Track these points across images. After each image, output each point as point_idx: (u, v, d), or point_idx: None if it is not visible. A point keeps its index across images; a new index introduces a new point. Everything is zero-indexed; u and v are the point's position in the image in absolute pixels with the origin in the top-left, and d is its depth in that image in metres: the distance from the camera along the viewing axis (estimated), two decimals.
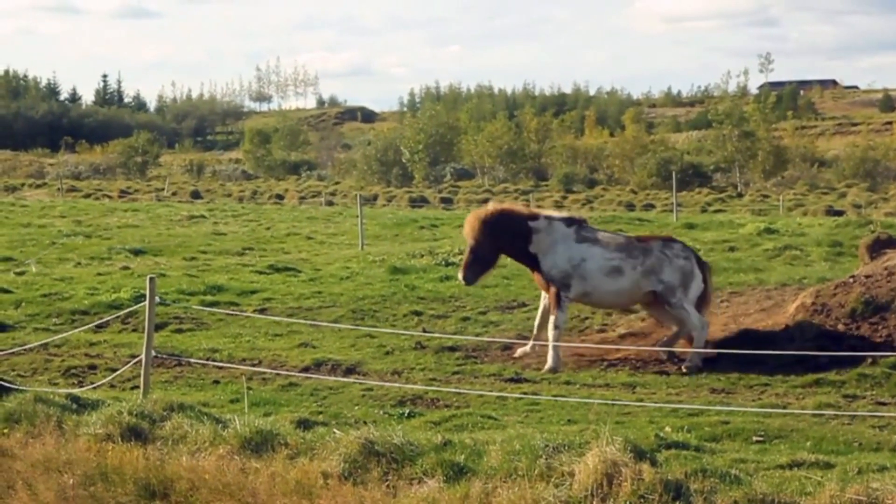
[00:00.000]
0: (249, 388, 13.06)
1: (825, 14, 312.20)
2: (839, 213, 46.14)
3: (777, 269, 22.32)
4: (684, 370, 14.76)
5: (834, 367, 14.15)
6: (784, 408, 12.30)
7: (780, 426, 11.34)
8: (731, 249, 26.90)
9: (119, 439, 10.22)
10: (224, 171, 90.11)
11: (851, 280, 16.09)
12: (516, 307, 19.25)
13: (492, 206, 16.57)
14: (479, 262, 16.18)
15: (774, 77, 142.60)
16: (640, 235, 16.73)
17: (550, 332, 15.47)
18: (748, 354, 14.26)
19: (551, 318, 15.66)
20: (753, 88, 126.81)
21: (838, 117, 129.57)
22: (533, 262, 16.02)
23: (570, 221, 16.08)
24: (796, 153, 78.12)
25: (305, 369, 14.74)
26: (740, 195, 63.23)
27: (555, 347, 15.27)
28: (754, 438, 10.93)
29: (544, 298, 16.10)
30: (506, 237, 15.97)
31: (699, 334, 15.43)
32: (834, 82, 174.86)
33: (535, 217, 16.14)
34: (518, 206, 17.49)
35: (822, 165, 78.72)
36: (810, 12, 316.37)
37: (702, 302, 15.91)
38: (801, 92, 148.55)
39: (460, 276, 16.37)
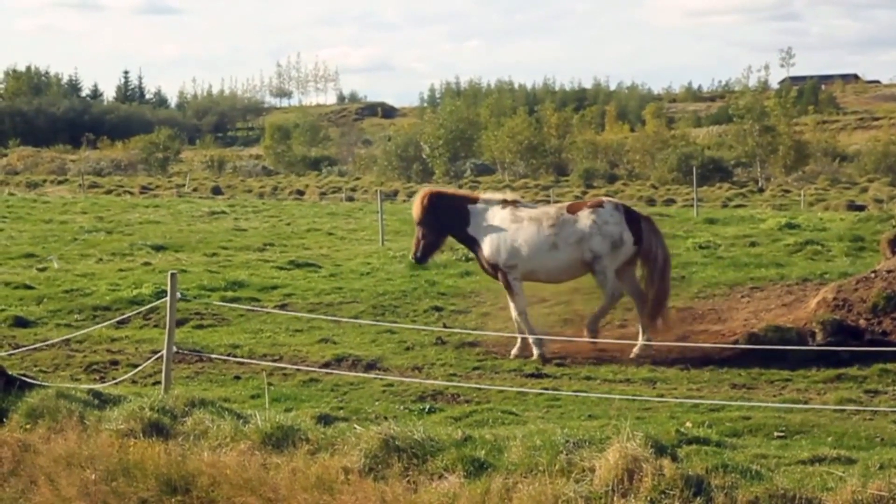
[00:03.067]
0: (270, 384, 13.09)
1: (847, 8, 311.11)
2: (861, 208, 45.91)
3: (798, 265, 22.25)
4: (632, 356, 15.14)
5: (855, 362, 14.12)
6: (805, 403, 12.26)
7: (801, 421, 11.32)
8: (752, 244, 26.84)
9: (141, 435, 10.25)
10: (245, 166, 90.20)
11: (873, 275, 16.03)
12: (536, 302, 19.19)
13: (429, 189, 17.14)
14: (426, 243, 16.59)
15: (796, 72, 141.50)
16: (571, 203, 16.79)
17: (517, 320, 15.77)
18: (769, 350, 14.24)
19: (512, 306, 15.98)
20: (774, 83, 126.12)
21: (860, 112, 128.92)
22: (474, 245, 16.34)
23: (504, 203, 16.30)
24: (817, 148, 77.73)
25: (326, 365, 14.76)
26: (761, 190, 63.00)
27: (531, 332, 15.54)
28: (775, 434, 10.91)
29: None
30: (446, 219, 16.38)
31: (608, 301, 15.82)
32: (856, 76, 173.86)
33: (473, 200, 16.51)
34: (458, 190, 17.76)
35: (843, 160, 78.35)
36: (832, 6, 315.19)
37: (650, 260, 16.08)
38: (823, 86, 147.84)
39: (411, 255, 16.99)
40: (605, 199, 16.74)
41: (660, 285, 16.08)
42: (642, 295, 16.17)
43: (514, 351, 15.61)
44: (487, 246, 16.08)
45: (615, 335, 16.40)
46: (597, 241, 15.75)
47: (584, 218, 15.87)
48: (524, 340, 15.60)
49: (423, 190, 17.16)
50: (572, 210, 16.15)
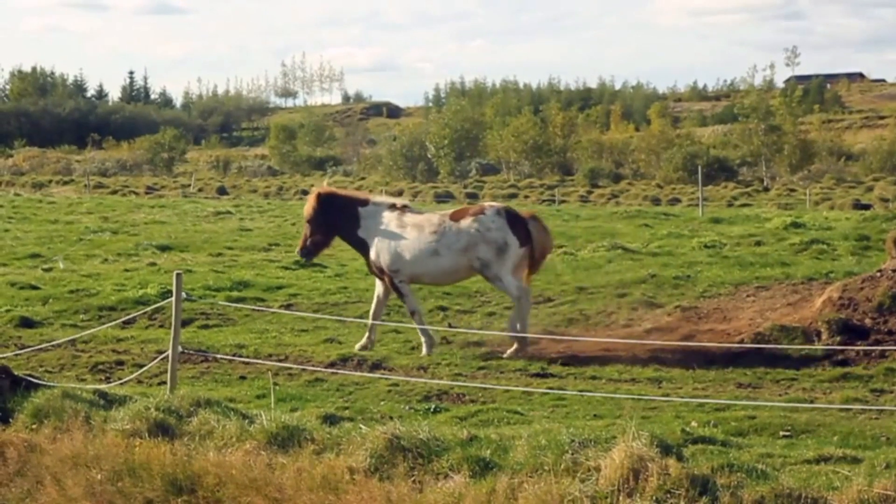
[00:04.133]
0: (276, 384, 13.10)
1: (852, 7, 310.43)
2: (866, 207, 45.94)
3: (804, 264, 22.24)
4: (508, 355, 15.30)
5: (861, 361, 14.12)
6: (811, 402, 12.25)
7: (807, 421, 11.31)
8: (758, 244, 26.84)
9: (146, 435, 10.26)
10: (250, 166, 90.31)
11: (879, 274, 16.02)
12: (542, 302, 19.23)
13: (323, 188, 17.20)
14: (313, 241, 16.77)
15: (801, 71, 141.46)
16: (456, 210, 16.79)
17: (414, 320, 15.97)
18: (775, 349, 14.23)
19: (406, 307, 16.31)
20: (780, 82, 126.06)
21: (865, 110, 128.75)
22: (363, 248, 16.48)
23: (393, 207, 16.47)
24: (823, 147, 77.70)
25: (331, 365, 14.77)
26: (766, 189, 62.98)
27: (424, 332, 15.74)
28: (781, 433, 10.90)
29: (379, 286, 16.47)
30: (336, 219, 16.50)
31: (519, 305, 15.82)
32: (861, 75, 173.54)
33: (364, 202, 16.59)
34: (352, 192, 17.83)
35: (849, 159, 78.31)
36: (837, 5, 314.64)
37: (536, 259, 16.23)
38: (828, 85, 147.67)
39: (297, 250, 17.23)
40: (487, 204, 16.78)
41: (535, 270, 16.48)
42: (528, 293, 16.29)
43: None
44: (373, 249, 16.25)
45: (620, 334, 16.40)
46: (482, 249, 15.83)
47: (467, 226, 15.94)
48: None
49: (316, 189, 17.31)
50: (455, 217, 16.19)
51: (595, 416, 11.85)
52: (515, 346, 15.49)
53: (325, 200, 16.61)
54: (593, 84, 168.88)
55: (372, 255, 16.26)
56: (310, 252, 17.08)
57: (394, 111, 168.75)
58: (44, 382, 12.08)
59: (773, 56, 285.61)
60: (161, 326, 17.51)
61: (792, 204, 50.78)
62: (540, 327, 17.01)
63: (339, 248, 29.12)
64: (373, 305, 16.56)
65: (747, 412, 11.60)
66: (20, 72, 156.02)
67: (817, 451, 9.66)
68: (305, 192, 62.67)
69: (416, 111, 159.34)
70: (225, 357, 15.00)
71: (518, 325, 15.81)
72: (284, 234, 34.10)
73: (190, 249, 28.86)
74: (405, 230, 16.08)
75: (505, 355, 15.37)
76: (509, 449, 9.06)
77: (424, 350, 15.62)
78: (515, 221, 16.07)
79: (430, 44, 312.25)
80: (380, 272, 16.33)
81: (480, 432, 9.74)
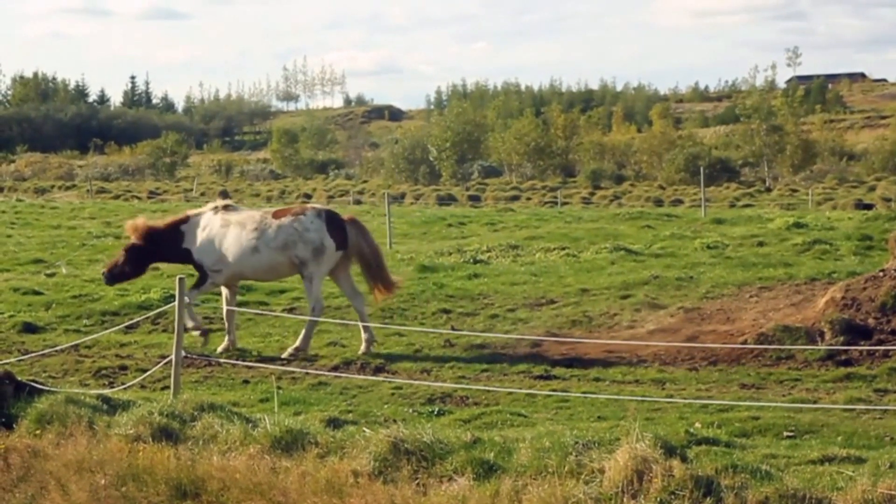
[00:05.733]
0: (279, 388, 13.11)
1: (853, 7, 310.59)
2: (868, 207, 45.89)
3: (806, 264, 22.23)
4: (285, 356, 15.72)
5: (865, 361, 14.11)
6: (815, 403, 12.24)
7: (810, 421, 11.30)
8: (760, 244, 26.82)
9: (150, 439, 10.27)
10: (252, 170, 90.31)
11: (881, 274, 16.01)
12: (545, 304, 19.23)
13: (138, 225, 17.05)
14: (123, 270, 17.14)
15: (802, 71, 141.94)
16: (278, 209, 17.23)
17: (187, 311, 15.99)
18: (778, 349, 14.22)
19: (191, 294, 16.35)
20: (781, 82, 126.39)
21: (867, 110, 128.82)
22: (187, 256, 16.81)
23: (216, 209, 16.85)
24: (825, 147, 77.74)
25: (335, 368, 14.78)
26: (769, 190, 62.97)
27: (196, 325, 16.30)
28: (785, 434, 10.90)
29: (224, 289, 16.89)
30: (156, 249, 16.97)
31: (312, 314, 16.22)
32: (862, 75, 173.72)
33: (185, 220, 16.97)
34: (167, 219, 17.82)
35: (851, 159, 78.34)
36: (838, 5, 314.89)
37: (362, 258, 16.75)
38: (830, 85, 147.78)
39: (105, 269, 17.40)
40: (309, 205, 17.39)
41: (380, 275, 16.84)
42: (359, 295, 16.83)
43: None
44: (196, 250, 16.63)
45: (624, 336, 16.40)
46: (300, 248, 16.28)
47: (287, 224, 16.38)
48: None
49: (131, 224, 17.24)
50: (277, 216, 16.62)
51: (599, 417, 11.85)
52: (294, 346, 15.97)
53: (145, 238, 16.87)
54: (595, 85, 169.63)
55: (196, 259, 16.67)
56: (116, 280, 17.46)
57: (395, 114, 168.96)
58: (47, 388, 12.09)
59: (774, 56, 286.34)
60: (164, 331, 17.53)
61: (794, 204, 50.76)
62: (543, 329, 17.02)
63: None
64: (224, 308, 16.96)
65: (751, 413, 11.60)
66: (22, 77, 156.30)
67: (821, 451, 9.66)
68: (308, 196, 62.88)
69: (418, 114, 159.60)
70: (228, 361, 15.00)
71: (305, 332, 16.16)
72: None
73: None
74: (228, 228, 16.52)
75: (283, 355, 15.86)
76: (513, 451, 9.06)
77: (219, 348, 16.20)
78: (334, 224, 16.53)
79: (431, 46, 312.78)
80: (199, 269, 16.75)
81: (484, 435, 9.74)
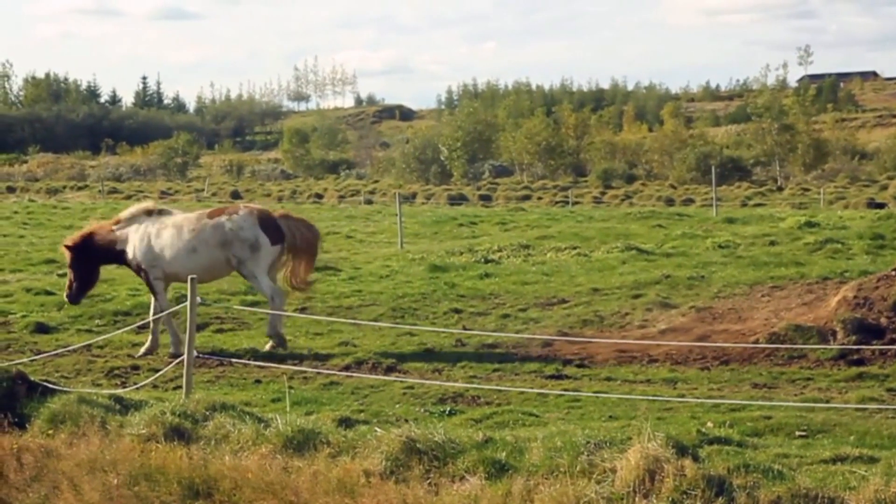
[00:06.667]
0: (291, 388, 13.12)
1: (865, 5, 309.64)
2: (881, 206, 45.81)
3: (818, 263, 22.20)
4: (268, 348, 16.10)
5: (877, 360, 14.09)
6: (827, 402, 12.21)
7: (823, 421, 11.28)
8: (772, 243, 26.79)
9: (162, 439, 10.28)
10: (263, 171, 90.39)
11: (894, 273, 15.99)
12: (556, 303, 19.23)
13: (73, 238, 17.55)
14: (80, 283, 17.34)
15: (814, 69, 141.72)
16: (213, 209, 17.54)
17: (162, 319, 16.42)
18: (790, 349, 14.20)
19: (153, 306, 16.83)
20: (793, 81, 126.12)
21: (879, 109, 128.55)
22: (121, 257, 17.12)
23: (150, 212, 17.13)
24: (836, 146, 77.55)
25: (346, 368, 14.78)
26: (780, 189, 62.85)
27: (174, 333, 16.35)
28: (797, 433, 10.88)
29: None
30: (96, 254, 17.21)
31: (273, 305, 16.52)
32: (874, 74, 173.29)
33: (117, 222, 17.23)
34: (102, 224, 18.04)
35: (862, 158, 78.15)
36: (849, 3, 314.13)
37: (297, 252, 17.02)
38: (841, 84, 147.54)
39: (65, 295, 17.69)
40: (242, 205, 17.69)
41: (304, 270, 17.25)
42: (279, 292, 17.02)
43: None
44: (130, 247, 16.88)
45: (635, 335, 16.39)
46: (237, 247, 16.60)
47: (221, 223, 16.69)
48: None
49: (68, 241, 17.59)
50: (212, 216, 16.94)
51: (610, 417, 11.84)
52: (270, 343, 16.26)
53: (80, 246, 17.20)
54: (606, 85, 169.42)
55: (130, 259, 16.93)
56: (79, 295, 17.57)
57: (406, 114, 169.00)
58: (60, 388, 12.12)
59: (785, 55, 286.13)
60: None
61: (806, 203, 50.67)
62: (555, 329, 17.01)
63: (353, 252, 29.22)
64: (153, 311, 17.07)
65: (763, 412, 11.58)
66: (34, 78, 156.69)
67: (833, 450, 9.64)
68: (319, 196, 62.94)
69: (429, 114, 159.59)
70: (240, 361, 15.01)
71: (276, 325, 16.39)
72: None
73: None
74: (164, 230, 16.78)
75: (264, 349, 16.12)
76: (525, 451, 9.06)
77: (172, 350, 16.18)
78: (266, 221, 16.84)
79: (442, 46, 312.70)
80: (138, 271, 17.01)
81: (496, 434, 9.74)
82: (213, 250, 16.61)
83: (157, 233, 16.77)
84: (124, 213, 17.49)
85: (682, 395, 12.79)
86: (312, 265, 17.55)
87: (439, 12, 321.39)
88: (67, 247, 17.28)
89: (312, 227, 17.56)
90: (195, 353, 12.45)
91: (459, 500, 8.67)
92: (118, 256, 17.11)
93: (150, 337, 16.49)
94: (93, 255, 17.22)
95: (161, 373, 13.85)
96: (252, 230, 16.64)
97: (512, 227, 36.45)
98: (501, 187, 66.85)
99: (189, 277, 12.54)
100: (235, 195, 64.62)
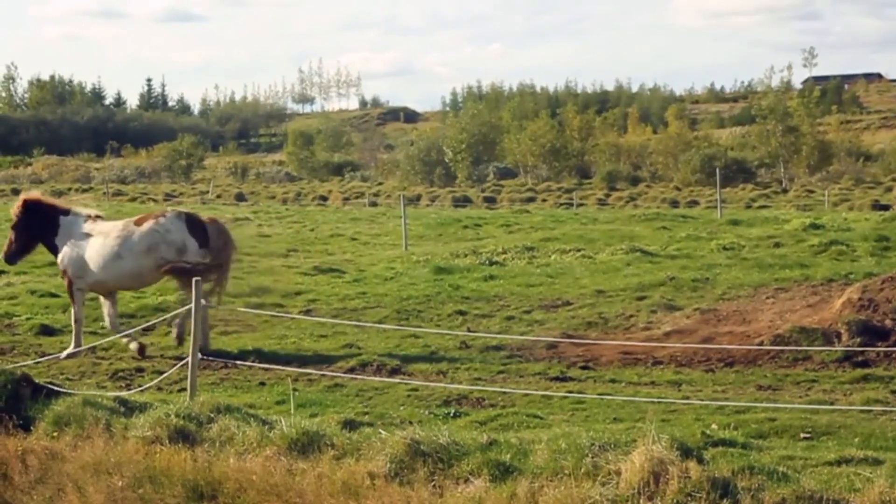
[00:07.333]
0: (295, 390, 13.12)
1: (869, 6, 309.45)
2: (885, 208, 45.76)
3: (823, 265, 22.20)
4: (175, 342, 16.35)
5: (882, 362, 14.08)
6: (832, 404, 12.21)
7: (827, 422, 11.27)
8: (777, 245, 26.79)
9: (167, 441, 10.28)
10: (268, 173, 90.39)
11: None
12: (561, 305, 19.23)
13: (30, 195, 17.82)
14: (17, 245, 17.41)
15: (818, 71, 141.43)
16: (140, 216, 17.57)
17: (73, 324, 16.68)
18: (795, 351, 14.19)
19: (73, 313, 16.88)
20: (797, 83, 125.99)
21: (883, 111, 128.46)
22: (54, 252, 17.19)
23: (88, 217, 17.21)
24: (841, 148, 77.42)
25: (351, 370, 14.78)
26: (785, 191, 62.79)
27: (78, 343, 16.38)
28: (802, 435, 10.87)
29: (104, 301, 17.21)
30: (39, 226, 17.21)
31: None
32: (879, 76, 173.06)
33: (65, 212, 17.30)
34: (56, 200, 18.33)
35: (867, 160, 78.02)
36: (854, 5, 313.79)
37: (220, 256, 16.99)
38: (846, 86, 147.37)
39: (1, 254, 17.74)
40: (169, 209, 17.85)
41: (223, 276, 17.08)
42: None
43: (132, 345, 16.36)
44: (61, 256, 16.99)
45: (640, 337, 16.39)
46: (164, 250, 16.66)
47: (148, 229, 16.77)
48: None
49: (23, 195, 17.85)
50: (139, 223, 17.00)
51: (615, 419, 11.84)
52: (175, 337, 16.44)
53: (30, 207, 17.31)
54: (610, 87, 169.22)
55: (60, 261, 17.04)
56: (13, 257, 17.65)
57: (411, 116, 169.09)
58: (64, 390, 12.12)
59: (790, 57, 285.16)
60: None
61: (810, 205, 50.64)
62: (559, 331, 17.01)
63: (358, 254, 29.23)
64: (107, 319, 17.23)
65: (767, 414, 11.58)
66: (39, 80, 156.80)
67: (838, 452, 9.63)
68: (324, 198, 62.97)
69: (434, 116, 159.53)
70: (244, 363, 15.02)
71: (181, 325, 16.48)
72: (303, 239, 34.17)
73: None
74: (92, 238, 16.86)
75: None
76: (529, 453, 9.05)
77: (68, 350, 16.30)
78: (194, 225, 16.92)
79: (447, 48, 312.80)
80: (63, 273, 17.15)
81: (500, 436, 9.74)
82: (139, 256, 16.65)
83: (85, 241, 16.87)
84: (75, 207, 17.63)
85: (687, 397, 12.79)
86: (228, 268, 17.39)
87: (443, 14, 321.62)
88: (19, 205, 17.39)
89: (231, 240, 17.48)
90: (199, 356, 12.44)
91: (464, 503, 8.67)
92: (54, 250, 17.19)
93: (73, 341, 16.66)
94: (36, 226, 17.25)
95: (165, 375, 13.86)
96: (180, 233, 16.73)
97: (516, 229, 36.46)
98: (506, 189, 66.83)
99: (193, 280, 12.53)
100: (240, 197, 64.72)
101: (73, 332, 16.66)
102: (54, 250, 17.21)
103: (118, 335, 16.41)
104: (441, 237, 34.66)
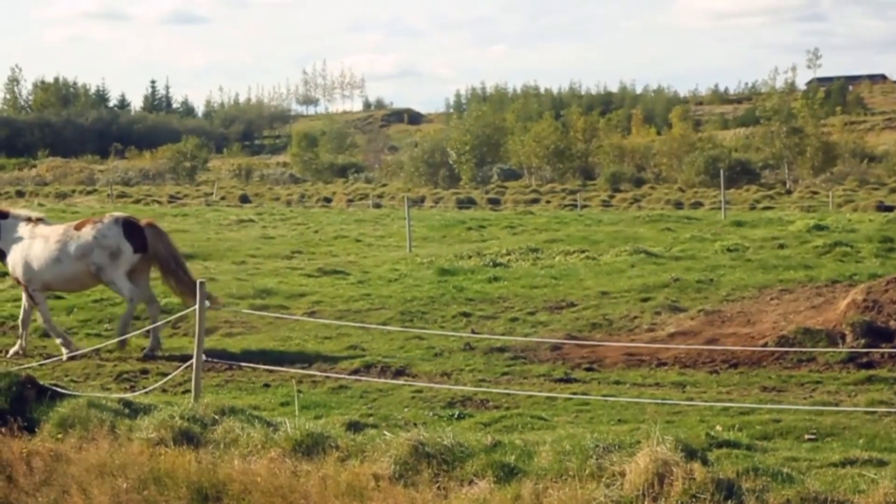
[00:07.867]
0: (300, 391, 13.12)
1: (874, 8, 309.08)
2: (890, 209, 45.70)
3: (827, 266, 22.17)
4: (12, 350, 16.56)
5: (886, 363, 14.06)
6: (836, 405, 12.20)
7: (832, 424, 11.27)
8: (781, 247, 26.75)
9: (171, 443, 10.29)
10: (272, 174, 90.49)
11: None
12: (565, 307, 19.22)
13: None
14: None
15: (822, 72, 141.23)
16: (80, 221, 17.76)
17: (46, 327, 17.09)
18: (799, 352, 14.18)
19: (40, 315, 17.11)
20: (801, 84, 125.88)
21: (888, 112, 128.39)
22: (3, 258, 17.37)
23: (29, 220, 17.41)
24: (845, 149, 77.37)
25: (355, 372, 14.78)
26: (789, 192, 62.75)
27: (59, 335, 16.81)
28: (806, 436, 10.87)
29: (25, 295, 17.33)
30: None
31: (130, 306, 16.92)
32: (883, 77, 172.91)
33: (4, 215, 17.48)
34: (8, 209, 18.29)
35: (871, 161, 77.95)
36: (858, 6, 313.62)
37: (160, 261, 17.11)
38: (850, 87, 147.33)
39: None
40: (108, 214, 17.79)
41: (181, 277, 17.12)
42: (154, 300, 17.44)
43: (11, 350, 16.68)
44: (9, 260, 17.22)
45: (644, 339, 16.38)
46: (97, 254, 16.80)
47: (86, 233, 16.93)
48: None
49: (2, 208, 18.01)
50: (78, 227, 17.18)
51: (619, 420, 11.83)
52: (119, 343, 16.39)
53: None
54: (614, 88, 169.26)
55: (9, 265, 17.26)
56: None
57: (415, 117, 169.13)
58: (69, 392, 12.13)
59: (794, 58, 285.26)
60: (185, 335, 17.56)
61: (815, 206, 50.59)
62: (563, 332, 17.01)
63: (362, 256, 29.23)
64: (21, 313, 17.30)
65: (772, 416, 11.58)
66: (43, 82, 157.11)
67: (843, 454, 9.63)
68: (328, 200, 63.02)
69: (438, 117, 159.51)
70: (249, 365, 15.02)
71: (125, 326, 16.75)
72: (307, 241, 34.17)
73: (213, 258, 28.91)
74: (35, 241, 17.05)
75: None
76: (534, 454, 9.06)
77: (64, 353, 16.40)
78: (131, 229, 17.03)
79: (450, 49, 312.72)
80: (17, 281, 17.38)
81: (504, 438, 9.74)
82: (74, 261, 16.80)
83: (28, 244, 17.03)
84: (14, 210, 17.83)
85: (691, 399, 12.78)
86: (186, 270, 17.42)
87: (447, 15, 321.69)
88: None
89: (170, 242, 17.54)
90: (204, 358, 12.45)
91: None
92: (1, 255, 17.40)
93: (18, 340, 16.93)
94: None
95: (170, 377, 13.85)
96: (115, 238, 16.84)
97: (520, 231, 36.45)
98: (510, 191, 66.84)
99: (198, 282, 12.54)
100: (244, 199, 64.74)
101: (55, 334, 16.90)
102: (1, 255, 17.43)
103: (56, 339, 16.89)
104: (445, 239, 34.66)
